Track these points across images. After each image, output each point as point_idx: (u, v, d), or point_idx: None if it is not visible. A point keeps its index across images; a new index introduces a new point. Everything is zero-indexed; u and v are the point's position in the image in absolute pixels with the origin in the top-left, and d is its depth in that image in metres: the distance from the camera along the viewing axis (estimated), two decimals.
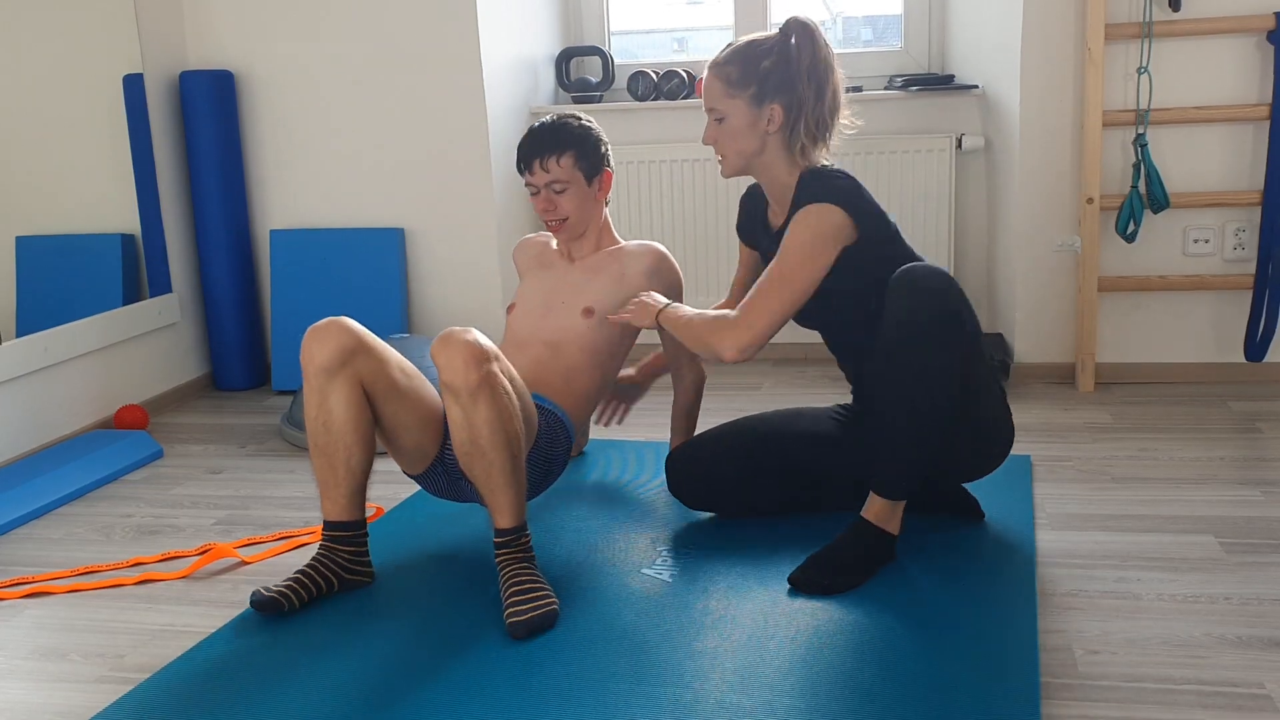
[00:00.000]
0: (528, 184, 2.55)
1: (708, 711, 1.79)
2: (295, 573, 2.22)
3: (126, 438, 3.35)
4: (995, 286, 3.87)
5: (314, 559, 2.25)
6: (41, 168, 3.63)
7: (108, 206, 3.82)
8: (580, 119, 2.57)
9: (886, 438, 2.20)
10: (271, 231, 4.02)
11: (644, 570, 2.33)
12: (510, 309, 2.67)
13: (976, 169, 3.85)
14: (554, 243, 2.72)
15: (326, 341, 2.17)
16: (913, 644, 1.96)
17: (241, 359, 4.04)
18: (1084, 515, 2.54)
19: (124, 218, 3.81)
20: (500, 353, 2.14)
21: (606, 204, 2.65)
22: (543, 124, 2.55)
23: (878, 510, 2.24)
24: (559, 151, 2.50)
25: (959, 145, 3.76)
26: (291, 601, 2.17)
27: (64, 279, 3.74)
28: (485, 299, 3.95)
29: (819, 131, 2.28)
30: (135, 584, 2.43)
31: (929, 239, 3.81)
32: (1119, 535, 2.42)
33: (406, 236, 3.97)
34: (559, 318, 2.57)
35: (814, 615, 2.10)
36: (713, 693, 1.85)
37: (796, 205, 2.27)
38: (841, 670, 1.89)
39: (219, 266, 3.97)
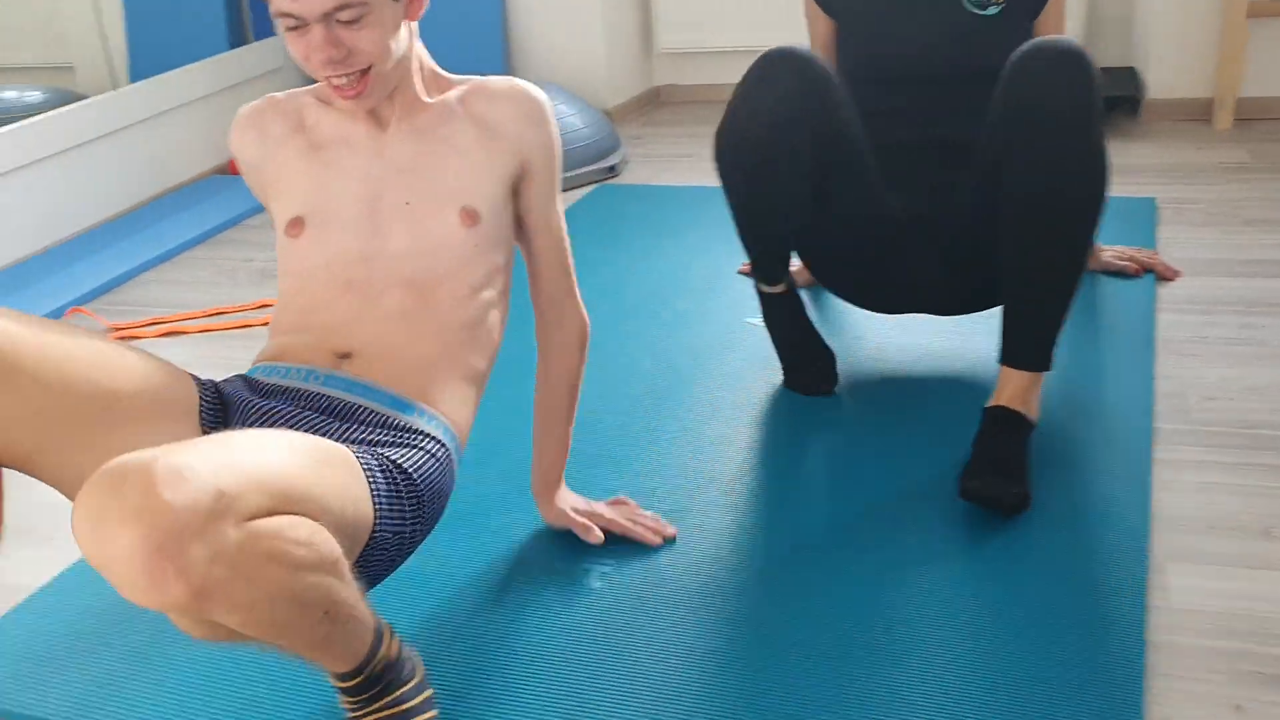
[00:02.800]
0: (282, 14, 1.35)
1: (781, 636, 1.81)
2: None
3: (242, 183, 3.42)
4: (1133, 13, 3.62)
5: None
6: None
7: None
8: None
9: (1024, 294, 1.74)
10: None
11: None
12: (292, 227, 1.49)
13: None
14: (312, 103, 1.53)
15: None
16: None
17: None
18: (1210, 260, 2.45)
19: None
20: (239, 495, 0.99)
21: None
22: None
23: (1017, 389, 1.76)
24: None
25: None
26: None
27: (170, 26, 3.74)
28: (586, 43, 3.83)
29: None
30: (263, 325, 2.53)
31: None
32: (1246, 280, 2.34)
33: None
34: (413, 232, 1.46)
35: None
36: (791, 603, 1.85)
37: None
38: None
39: None
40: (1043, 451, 1.76)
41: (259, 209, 3.27)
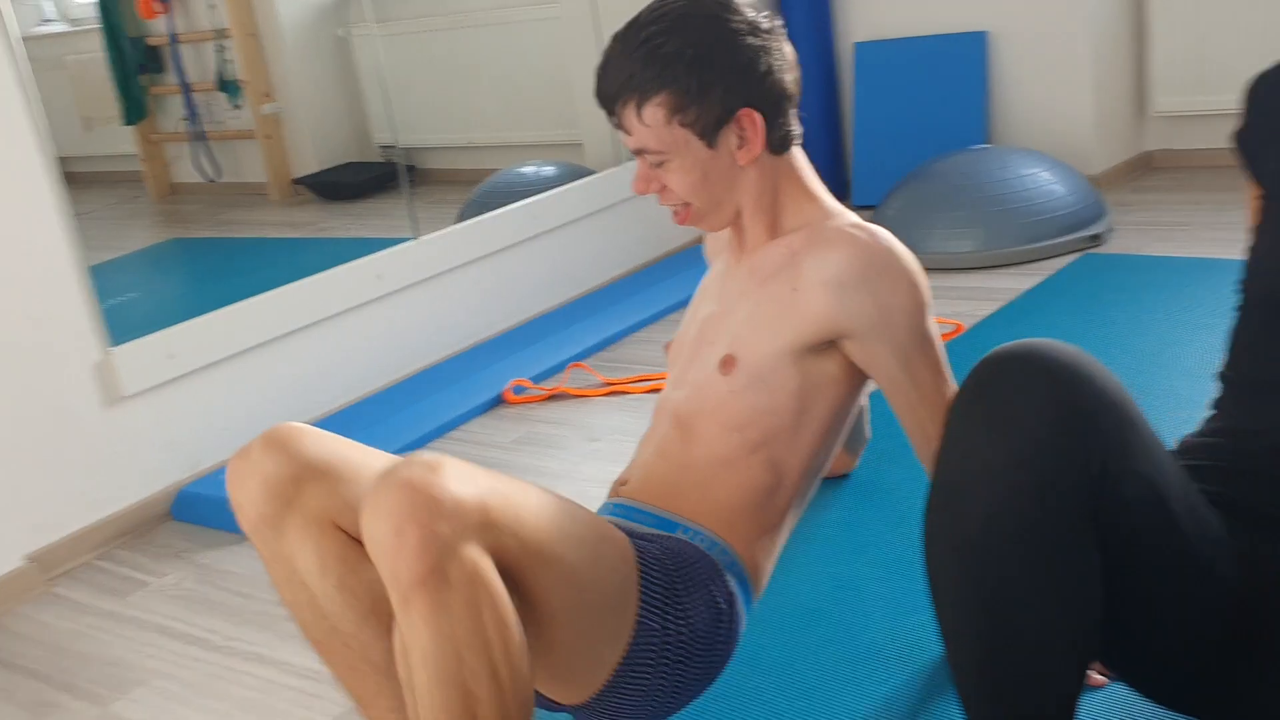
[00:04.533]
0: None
1: None
2: None
3: None
4: None
5: None
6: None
7: None
8: (693, 10, 1.36)
9: None
10: (855, 44, 4.03)
11: None
12: (667, 348, 1.61)
13: None
14: None
15: (249, 480, 1.29)
16: None
17: (823, 175, 4.11)
18: None
19: None
20: (502, 523, 1.11)
21: (779, 149, 1.44)
22: (625, 30, 1.38)
23: None
24: (638, 95, 1.35)
25: None
26: None
27: None
28: (1073, 105, 3.69)
29: None
30: None
31: None
32: None
33: (990, 40, 3.79)
34: (698, 369, 1.46)
35: None
36: None
37: None
38: None
39: (804, 82, 4.05)
40: None
41: None
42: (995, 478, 1.01)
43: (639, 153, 1.39)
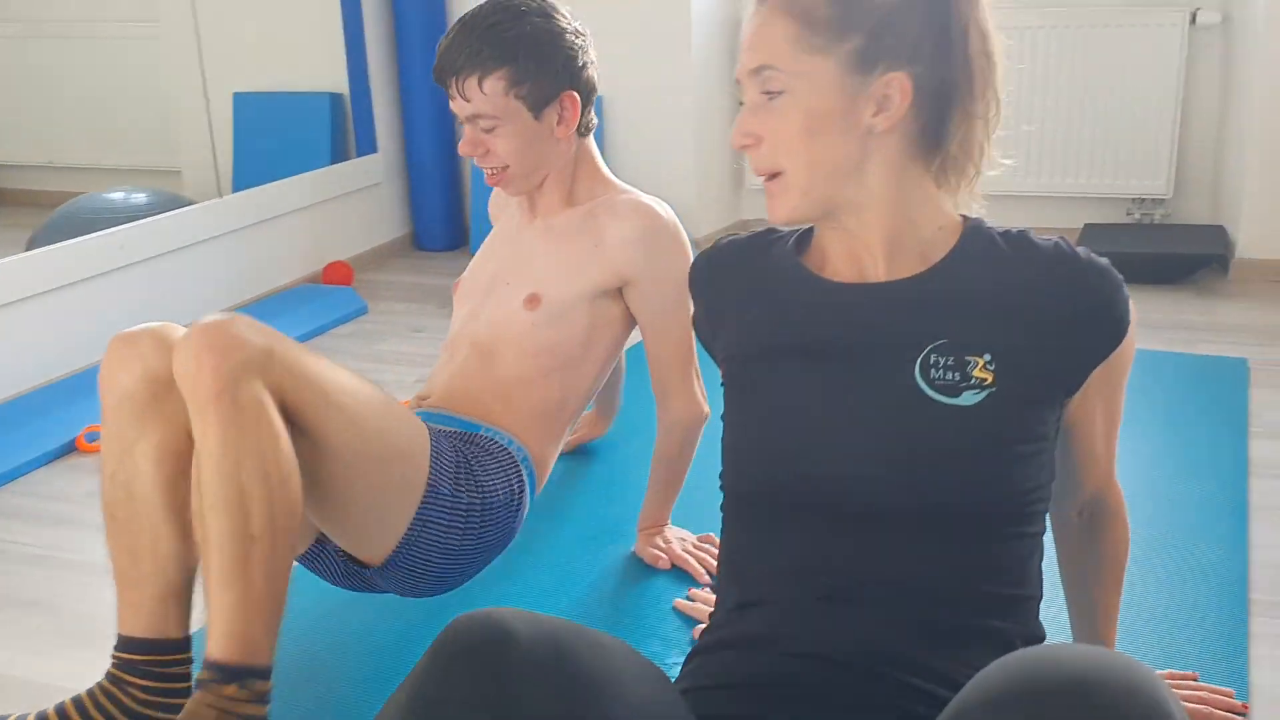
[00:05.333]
0: (451, 109, 1.72)
1: None
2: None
3: (334, 293, 3.50)
4: (1222, 174, 3.61)
5: (86, 694, 1.39)
6: (258, 25, 3.74)
7: (318, 65, 3.92)
8: (530, 7, 1.68)
9: None
10: None
11: None
12: (455, 287, 1.90)
13: (1211, 46, 3.56)
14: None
15: (131, 361, 1.41)
16: None
17: (441, 221, 4.13)
18: None
19: (333, 77, 3.90)
20: (285, 368, 1.32)
21: (584, 133, 1.77)
22: (471, 16, 1.69)
23: None
24: (481, 69, 1.64)
25: (1193, 20, 3.48)
26: None
27: (276, 136, 3.88)
28: (678, 168, 3.91)
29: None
30: None
31: (1151, 119, 3.57)
32: None
33: (605, 105, 3.95)
34: (496, 305, 1.76)
35: None
36: None
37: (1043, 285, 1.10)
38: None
39: (422, 128, 4.03)
40: (1135, 616, 1.71)
41: (348, 317, 3.34)
42: None
43: (472, 119, 1.67)
